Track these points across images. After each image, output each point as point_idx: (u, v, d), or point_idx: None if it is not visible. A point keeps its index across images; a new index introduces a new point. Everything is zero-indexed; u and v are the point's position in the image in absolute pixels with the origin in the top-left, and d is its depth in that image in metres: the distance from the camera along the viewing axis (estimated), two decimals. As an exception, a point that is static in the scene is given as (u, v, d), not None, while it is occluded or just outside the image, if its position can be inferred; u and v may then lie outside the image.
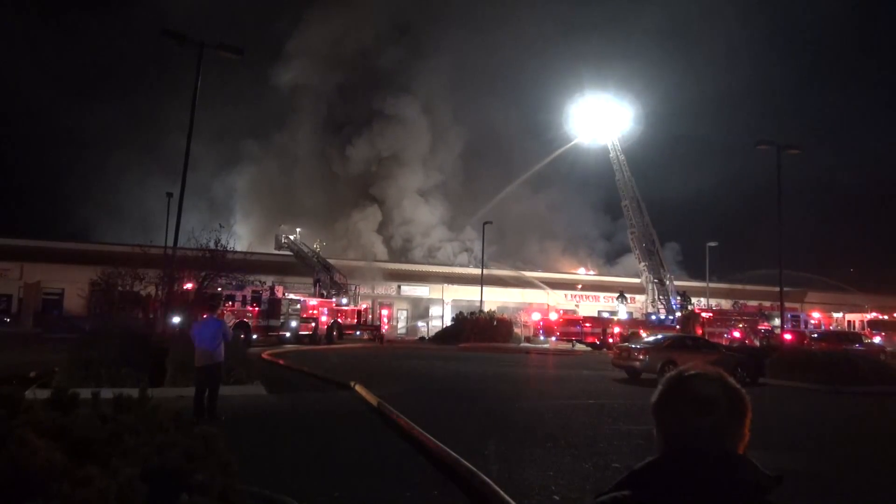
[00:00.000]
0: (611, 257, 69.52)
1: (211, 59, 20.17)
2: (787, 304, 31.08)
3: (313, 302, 35.80)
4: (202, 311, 11.35)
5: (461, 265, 60.66)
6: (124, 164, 64.32)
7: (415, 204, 66.14)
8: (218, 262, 23.71)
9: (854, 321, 46.47)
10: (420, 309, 57.27)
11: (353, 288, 42.75)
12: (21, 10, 67.40)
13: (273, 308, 32.19)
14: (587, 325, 40.56)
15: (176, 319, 18.96)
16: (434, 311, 56.50)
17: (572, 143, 58.70)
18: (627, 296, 47.75)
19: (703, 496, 1.41)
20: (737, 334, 40.33)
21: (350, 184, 66.21)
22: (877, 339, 36.56)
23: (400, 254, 63.95)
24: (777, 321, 37.38)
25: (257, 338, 30.49)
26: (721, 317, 43.66)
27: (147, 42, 65.59)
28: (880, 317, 43.82)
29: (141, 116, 75.97)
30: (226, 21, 65.23)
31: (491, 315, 42.99)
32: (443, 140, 68.14)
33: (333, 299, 38.79)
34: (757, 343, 37.24)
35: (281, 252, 45.31)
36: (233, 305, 30.27)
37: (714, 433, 1.49)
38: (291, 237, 45.30)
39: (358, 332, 39.43)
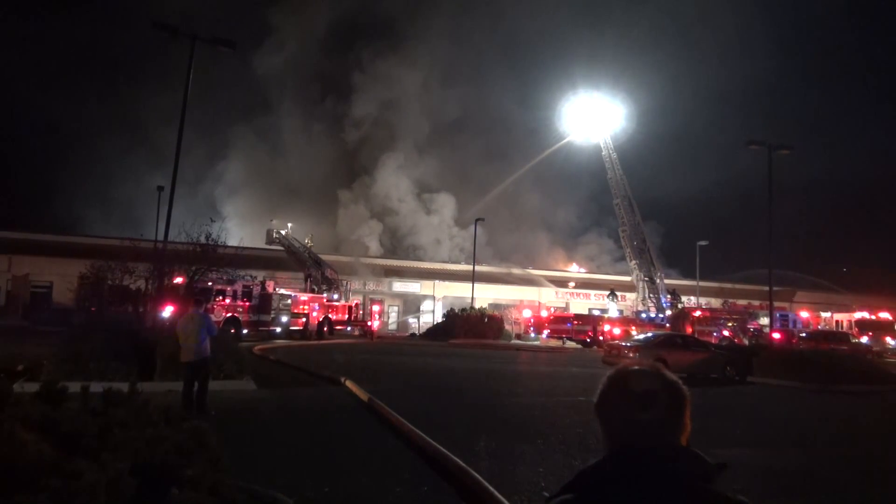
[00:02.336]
0: (598, 255, 69.73)
1: (199, 45, 19.97)
2: (775, 304, 31.27)
3: (304, 297, 35.72)
4: (187, 306, 11.31)
5: (453, 261, 60.70)
6: (113, 155, 64.01)
7: (401, 187, 66.20)
8: (209, 257, 23.59)
9: (842, 321, 46.83)
10: (411, 305, 57.26)
11: (344, 283, 42.68)
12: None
13: (264, 303, 32.08)
14: (577, 322, 40.66)
15: (166, 314, 18.89)
16: (425, 307, 56.52)
17: (564, 140, 58.82)
18: (618, 294, 47.91)
19: (646, 490, 1.42)
20: (726, 333, 40.59)
21: (339, 161, 66.52)
22: (864, 339, 36.87)
23: (388, 239, 64.08)
24: (765, 320, 37.63)
25: (248, 333, 30.38)
26: (711, 315, 43.91)
27: (132, 31, 65.13)
28: (868, 317, 44.15)
29: (129, 107, 75.36)
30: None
31: (482, 312, 43.03)
32: (430, 129, 68.27)
33: (324, 295, 38.71)
34: (746, 342, 37.46)
35: (272, 247, 45.16)
36: (223, 300, 30.15)
37: (655, 427, 1.51)
38: (283, 232, 45.17)
39: (349, 328, 39.38)
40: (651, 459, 1.46)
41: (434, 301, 55.66)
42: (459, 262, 58.78)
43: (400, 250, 63.91)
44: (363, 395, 12.25)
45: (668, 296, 45.93)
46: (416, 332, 48.12)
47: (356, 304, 43.49)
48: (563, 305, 55.64)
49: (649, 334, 24.91)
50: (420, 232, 64.97)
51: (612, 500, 1.44)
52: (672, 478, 1.44)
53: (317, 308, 35.68)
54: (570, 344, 39.47)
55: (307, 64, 67.85)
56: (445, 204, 67.05)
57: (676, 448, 1.50)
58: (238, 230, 50.01)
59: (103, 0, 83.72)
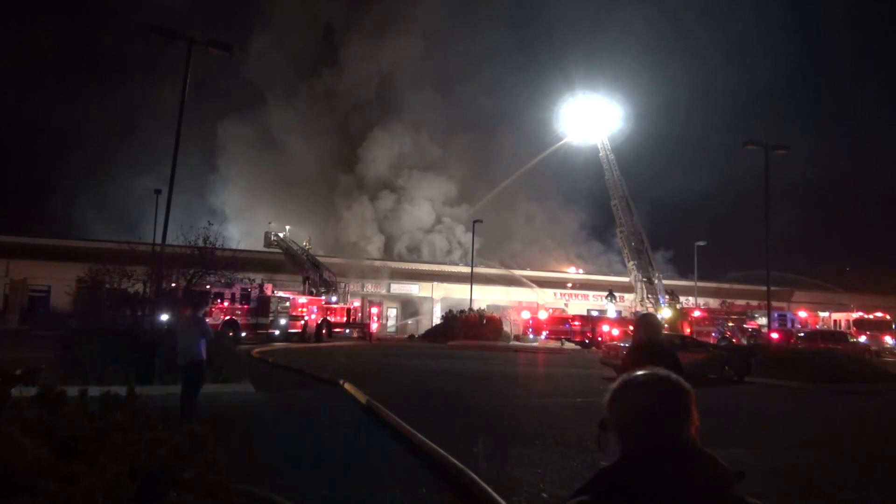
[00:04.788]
0: (595, 256, 69.73)
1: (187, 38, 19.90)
2: (773, 304, 31.33)
3: (302, 300, 35.70)
4: (184, 309, 11.32)
5: (451, 262, 60.67)
6: (110, 158, 63.93)
7: (391, 177, 66.32)
8: (207, 260, 23.58)
9: (840, 320, 46.87)
10: (410, 307, 57.21)
11: (342, 286, 42.68)
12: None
13: (262, 306, 32.06)
14: (576, 323, 40.65)
15: (164, 317, 18.86)
16: (424, 309, 56.48)
17: (562, 141, 58.88)
18: (616, 294, 47.94)
19: (663, 492, 1.43)
20: (724, 333, 40.60)
21: (335, 150, 66.78)
22: (862, 339, 36.90)
23: (383, 225, 64.22)
24: (764, 320, 37.66)
25: (246, 336, 30.36)
26: (709, 315, 43.92)
27: (128, 32, 65.13)
28: (866, 316, 44.21)
29: (125, 109, 75.27)
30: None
31: (480, 313, 43.01)
32: (425, 124, 68.31)
33: (323, 297, 38.71)
34: (744, 342, 37.49)
35: (270, 249, 45.13)
36: (222, 303, 30.14)
37: (663, 427, 1.53)
38: (281, 234, 45.13)
39: (347, 330, 39.38)
40: (665, 461, 1.47)
41: (433, 303, 55.64)
42: (458, 264, 58.78)
43: (393, 238, 63.79)
44: (361, 398, 12.25)
45: (667, 296, 45.97)
46: (415, 334, 48.12)
47: (355, 307, 43.47)
48: (562, 306, 55.68)
49: (648, 334, 24.86)
50: (412, 222, 64.83)
51: (629, 502, 1.45)
52: (688, 481, 1.45)
53: (315, 310, 35.67)
54: (569, 345, 39.46)
55: (299, 53, 67.82)
56: (436, 195, 66.99)
57: (690, 449, 1.51)
58: (236, 232, 50.05)
59: (99, 3, 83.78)
